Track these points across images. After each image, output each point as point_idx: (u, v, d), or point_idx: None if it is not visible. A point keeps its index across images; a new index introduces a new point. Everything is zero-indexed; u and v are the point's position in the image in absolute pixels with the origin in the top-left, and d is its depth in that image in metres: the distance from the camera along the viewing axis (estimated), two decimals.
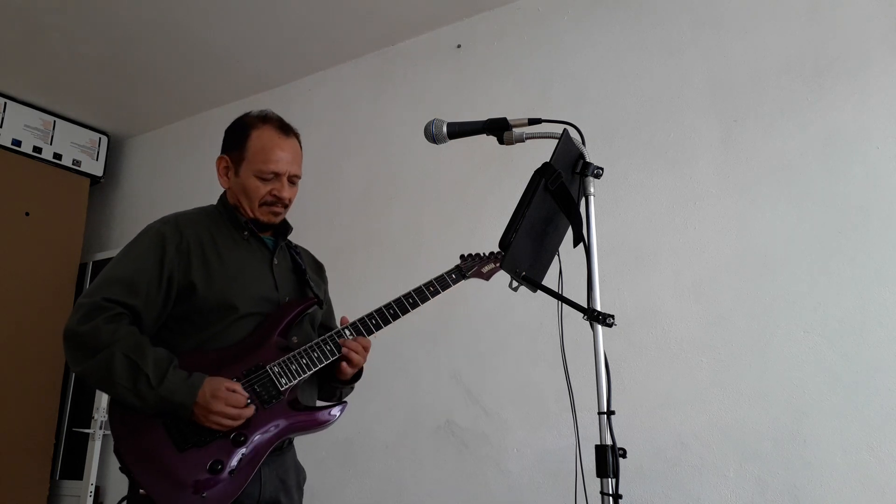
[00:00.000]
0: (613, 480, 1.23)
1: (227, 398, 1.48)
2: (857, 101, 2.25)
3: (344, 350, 1.65)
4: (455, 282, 1.84)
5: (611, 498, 1.22)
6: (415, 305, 1.75)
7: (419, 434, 2.80)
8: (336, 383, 1.74)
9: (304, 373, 1.61)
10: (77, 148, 4.14)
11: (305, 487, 1.71)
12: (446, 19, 3.19)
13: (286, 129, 1.75)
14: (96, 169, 4.22)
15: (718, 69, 2.51)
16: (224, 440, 1.49)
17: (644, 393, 2.35)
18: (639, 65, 2.68)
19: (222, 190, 1.77)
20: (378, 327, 1.71)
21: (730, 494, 2.17)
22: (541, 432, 2.53)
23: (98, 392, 3.66)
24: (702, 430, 2.25)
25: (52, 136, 4.02)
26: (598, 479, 1.24)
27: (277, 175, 1.70)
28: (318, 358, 1.63)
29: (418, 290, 1.77)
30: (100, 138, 4.26)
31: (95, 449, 3.65)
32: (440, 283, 1.81)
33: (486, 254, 1.94)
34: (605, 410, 1.26)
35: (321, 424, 1.61)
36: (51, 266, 3.86)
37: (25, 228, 3.79)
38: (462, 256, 1.92)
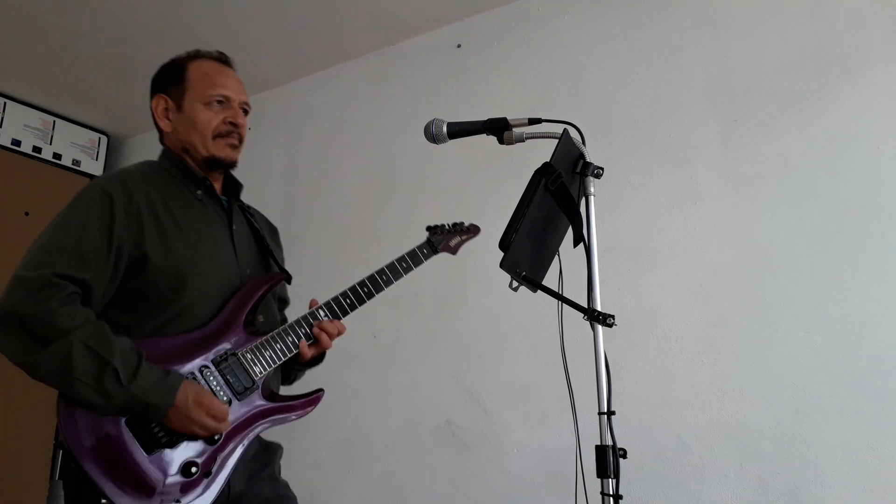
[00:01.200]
0: (614, 481, 1.23)
1: (210, 407, 1.33)
2: (857, 100, 2.25)
3: (315, 330, 1.51)
4: (427, 257, 1.77)
5: (611, 498, 1.22)
6: (388, 283, 1.66)
7: (419, 434, 2.80)
8: (295, 366, 1.61)
9: (279, 359, 1.47)
10: (77, 148, 4.13)
11: (305, 487, 1.68)
12: (446, 19, 3.18)
13: (225, 59, 1.63)
14: (96, 169, 4.20)
15: (718, 69, 2.51)
16: (194, 438, 1.35)
17: (644, 393, 2.35)
18: (639, 65, 2.68)
19: None
20: (353, 307, 1.60)
21: (730, 495, 2.17)
22: (541, 433, 2.52)
23: None
24: (702, 430, 2.25)
25: (52, 136, 4.01)
26: (599, 480, 1.24)
27: (228, 99, 1.55)
28: (294, 342, 1.50)
29: (391, 267, 1.68)
30: (99, 138, 4.26)
31: None
32: (413, 259, 1.73)
33: (451, 225, 1.85)
34: (606, 411, 1.26)
35: (299, 417, 1.50)
36: None
37: (25, 228, 3.78)
38: (429, 228, 1.83)
